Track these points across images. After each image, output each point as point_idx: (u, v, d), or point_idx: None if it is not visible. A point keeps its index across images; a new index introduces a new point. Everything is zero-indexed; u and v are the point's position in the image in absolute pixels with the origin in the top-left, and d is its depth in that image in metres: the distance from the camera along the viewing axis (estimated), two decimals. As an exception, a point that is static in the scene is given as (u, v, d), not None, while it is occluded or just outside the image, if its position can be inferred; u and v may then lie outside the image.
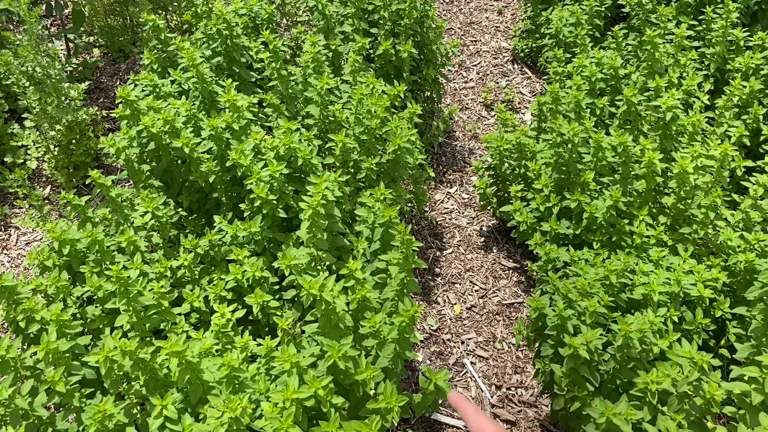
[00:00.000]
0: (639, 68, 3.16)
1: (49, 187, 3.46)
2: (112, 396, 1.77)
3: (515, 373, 2.75)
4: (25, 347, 2.01)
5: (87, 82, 3.49)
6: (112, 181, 2.40)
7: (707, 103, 2.96)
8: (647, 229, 2.48)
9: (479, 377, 2.73)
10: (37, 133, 3.43)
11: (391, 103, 2.64)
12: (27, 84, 3.06)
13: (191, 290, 2.28)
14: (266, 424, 1.65)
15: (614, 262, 2.29)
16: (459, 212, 3.44)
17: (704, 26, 3.40)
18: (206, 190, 2.50)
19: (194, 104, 2.68)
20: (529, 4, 4.36)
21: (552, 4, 4.01)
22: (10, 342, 1.85)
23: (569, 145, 2.66)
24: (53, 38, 3.85)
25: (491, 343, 2.86)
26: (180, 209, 2.53)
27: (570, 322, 2.13)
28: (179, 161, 2.55)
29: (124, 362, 1.75)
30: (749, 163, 2.66)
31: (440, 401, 2.03)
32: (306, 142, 2.42)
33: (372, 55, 3.24)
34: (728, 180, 2.66)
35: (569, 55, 3.47)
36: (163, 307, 2.05)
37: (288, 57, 3.36)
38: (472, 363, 2.78)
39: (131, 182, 2.76)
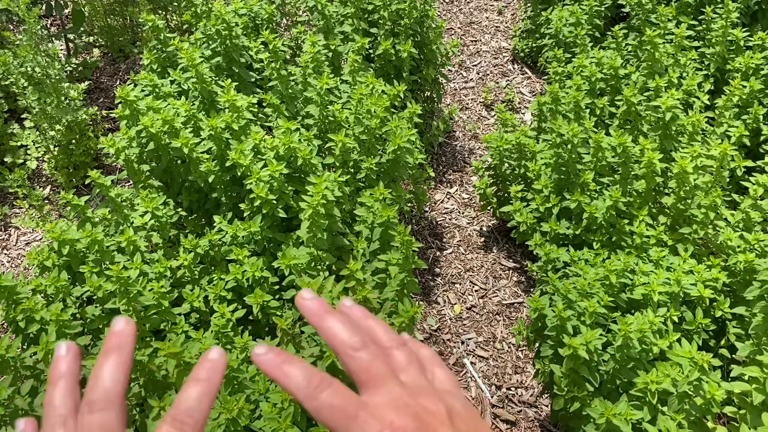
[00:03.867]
0: (639, 68, 3.16)
1: (49, 187, 3.46)
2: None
3: (515, 373, 2.75)
4: (24, 347, 2.01)
5: (87, 82, 3.49)
6: (112, 181, 2.40)
7: (707, 103, 2.96)
8: (647, 229, 2.48)
9: (479, 377, 2.73)
10: (37, 133, 3.43)
11: (390, 103, 2.64)
12: (26, 84, 3.06)
13: (191, 290, 2.28)
14: (264, 424, 1.65)
15: (614, 262, 2.29)
16: (459, 212, 3.44)
17: (704, 26, 3.40)
18: (206, 190, 2.50)
19: (194, 104, 2.68)
20: (529, 4, 4.36)
21: (552, 4, 4.01)
22: (10, 342, 1.85)
23: (569, 146, 2.66)
24: (53, 38, 3.85)
25: (491, 343, 2.86)
26: (180, 209, 2.53)
27: (569, 323, 2.12)
28: (179, 161, 2.55)
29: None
30: (749, 163, 2.66)
31: None
32: (306, 142, 2.42)
33: (372, 55, 3.24)
34: (728, 180, 2.66)
35: (569, 55, 3.47)
36: (163, 307, 2.05)
37: (288, 57, 3.36)
38: (472, 363, 2.78)
39: (131, 182, 2.76)
